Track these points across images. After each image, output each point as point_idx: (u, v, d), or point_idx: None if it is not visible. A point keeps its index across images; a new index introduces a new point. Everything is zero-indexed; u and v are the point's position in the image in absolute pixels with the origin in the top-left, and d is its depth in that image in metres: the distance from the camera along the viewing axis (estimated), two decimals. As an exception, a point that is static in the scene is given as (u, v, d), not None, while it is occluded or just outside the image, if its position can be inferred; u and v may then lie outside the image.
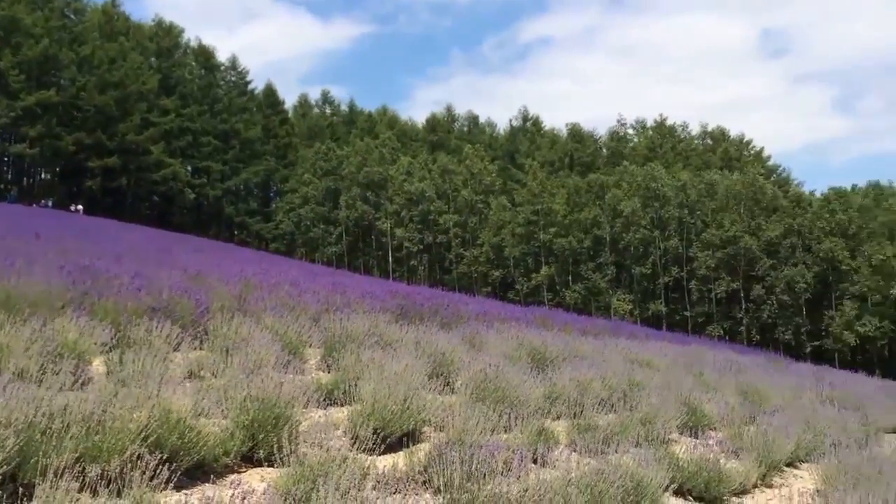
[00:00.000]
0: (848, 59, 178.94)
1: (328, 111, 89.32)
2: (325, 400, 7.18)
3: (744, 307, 62.33)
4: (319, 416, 6.48)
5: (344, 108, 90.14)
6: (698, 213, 65.71)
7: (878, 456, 8.22)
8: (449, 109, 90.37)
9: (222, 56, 76.39)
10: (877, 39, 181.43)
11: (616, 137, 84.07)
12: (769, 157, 79.18)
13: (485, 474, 5.42)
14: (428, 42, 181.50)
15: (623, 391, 9.63)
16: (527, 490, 5.25)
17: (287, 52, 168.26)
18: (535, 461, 6.44)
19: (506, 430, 6.89)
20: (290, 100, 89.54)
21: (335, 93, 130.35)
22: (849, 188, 67.43)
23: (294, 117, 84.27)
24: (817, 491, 7.29)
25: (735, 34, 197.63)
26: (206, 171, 68.69)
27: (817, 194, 67.50)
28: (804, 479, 8.33)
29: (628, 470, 5.90)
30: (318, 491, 4.51)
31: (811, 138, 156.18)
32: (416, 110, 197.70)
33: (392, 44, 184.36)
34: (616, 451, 6.74)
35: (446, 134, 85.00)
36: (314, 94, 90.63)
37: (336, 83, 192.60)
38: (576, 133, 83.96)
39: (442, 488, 5.34)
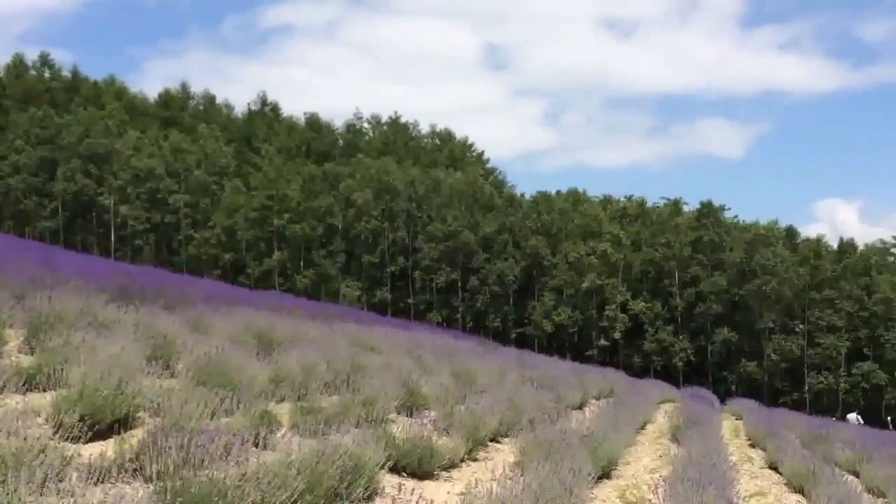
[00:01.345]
0: (555, 79, 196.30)
1: (47, 75, 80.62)
2: (24, 385, 6.59)
3: (461, 296, 66.27)
4: (17, 403, 5.94)
5: (66, 73, 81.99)
6: (425, 207, 68.68)
7: (567, 429, 9.24)
8: (184, 86, 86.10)
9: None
10: (579, 63, 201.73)
11: (352, 130, 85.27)
12: (488, 160, 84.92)
13: (203, 460, 5.30)
14: (164, 13, 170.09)
15: (347, 374, 9.89)
16: (245, 474, 5.22)
17: (2, 7, 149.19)
18: (256, 445, 6.43)
19: (228, 414, 6.80)
20: (1, 59, 79.31)
21: (57, 56, 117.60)
22: (553, 193, 74.17)
23: (6, 78, 75.08)
24: (516, 463, 8.03)
25: (465, 44, 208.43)
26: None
27: (527, 197, 73.67)
28: (505, 453, 9.13)
29: (348, 450, 6.08)
30: (7, 484, 4.07)
31: (525, 147, 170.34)
32: (148, 83, 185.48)
33: (124, 10, 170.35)
34: (338, 433, 6.92)
35: (180, 111, 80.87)
36: (31, 56, 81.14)
37: (59, 46, 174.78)
38: (314, 122, 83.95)
39: (154, 476, 5.09)
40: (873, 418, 31.22)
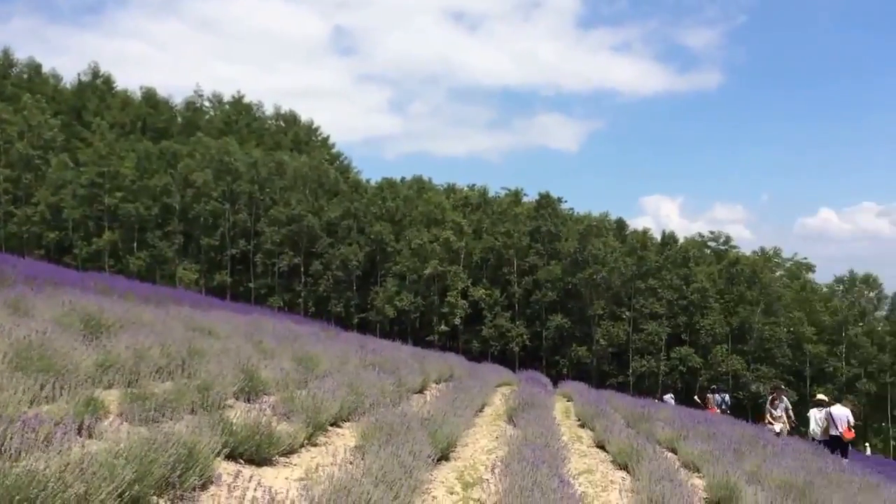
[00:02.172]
0: (402, 67, 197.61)
1: None
2: None
3: (303, 281, 65.38)
4: None
5: None
6: (268, 190, 67.15)
7: (407, 413, 9.33)
8: (6, 53, 79.34)
9: None
10: (425, 53, 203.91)
11: (192, 108, 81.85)
12: (334, 145, 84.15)
13: (20, 450, 4.93)
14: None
15: (183, 359, 9.50)
16: (68, 465, 4.90)
17: None
18: (81, 433, 6.05)
19: (50, 401, 6.36)
20: None
21: None
22: (398, 180, 74.59)
23: None
24: (357, 446, 8.02)
25: (312, 27, 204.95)
26: None
27: (372, 183, 73.64)
28: (347, 437, 9.10)
29: (181, 438, 5.85)
30: None
31: (370, 133, 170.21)
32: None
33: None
34: (171, 420, 6.64)
35: (1, 79, 74.47)
36: None
37: None
38: (150, 97, 79.90)
39: (-39, 469, 4.71)
40: (688, 400, 33.68)
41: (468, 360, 31.39)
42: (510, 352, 63.77)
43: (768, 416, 18.21)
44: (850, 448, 17.05)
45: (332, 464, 6.60)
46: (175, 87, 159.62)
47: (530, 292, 66.58)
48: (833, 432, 16.08)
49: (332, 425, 9.52)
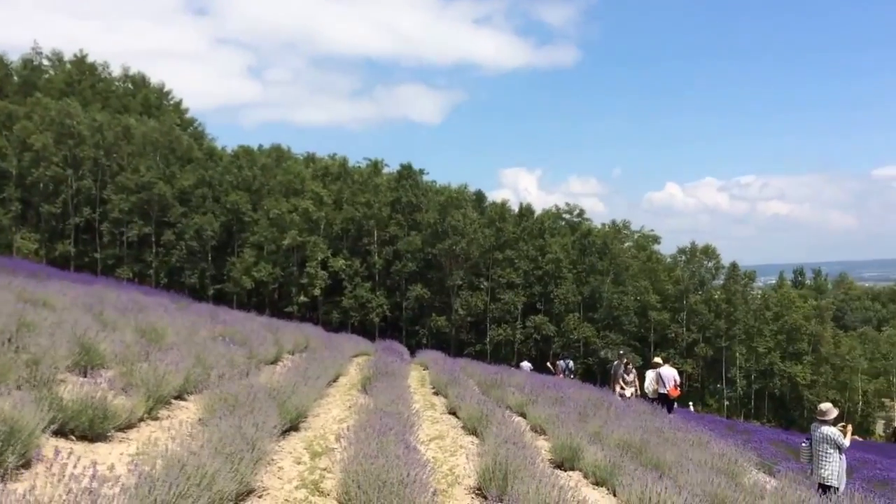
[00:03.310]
0: (260, 32, 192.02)
1: None
2: None
3: (155, 251, 62.67)
4: None
5: None
6: (115, 155, 63.60)
7: (255, 384, 9.12)
8: None
9: None
10: (286, 19, 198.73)
11: (30, 66, 75.75)
12: (187, 110, 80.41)
13: None
14: None
15: (11, 332, 8.84)
16: None
17: None
18: None
19: None
20: None
21: None
22: (255, 148, 72.50)
23: None
24: (200, 420, 7.77)
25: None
26: None
27: (228, 150, 71.16)
28: (191, 410, 8.79)
29: (3, 414, 5.46)
30: None
31: (227, 99, 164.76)
32: None
33: None
34: (-7, 396, 6.17)
35: None
36: None
37: None
38: (-19, 54, 73.39)
39: None
40: (542, 366, 34.93)
41: (327, 331, 31.19)
42: (370, 322, 63.86)
43: (620, 381, 19.17)
44: (675, 405, 18.76)
45: (171, 438, 6.35)
46: (9, 43, 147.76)
47: (391, 263, 66.77)
48: (661, 390, 17.81)
49: (176, 398, 9.18)
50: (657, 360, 19.23)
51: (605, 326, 67.12)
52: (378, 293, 65.69)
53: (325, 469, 7.40)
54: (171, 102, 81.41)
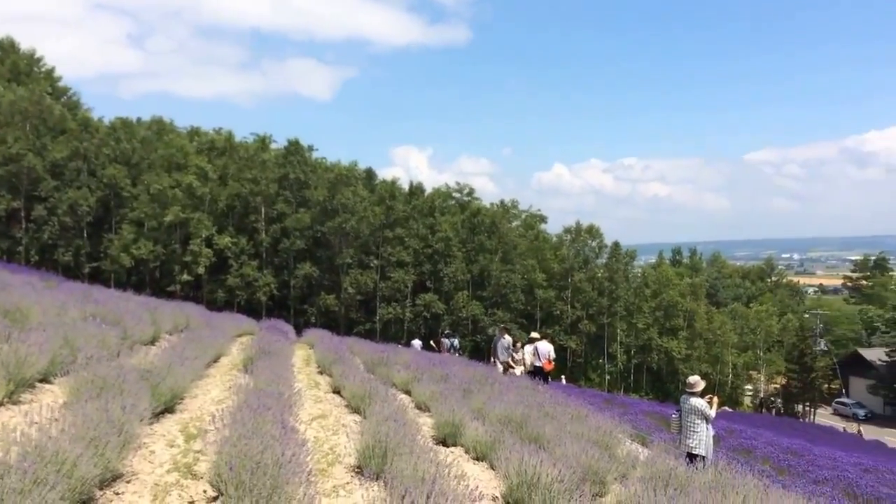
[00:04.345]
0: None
1: None
2: None
3: (24, 227, 59.24)
4: None
5: None
6: (-23, 123, 59.46)
7: (125, 366, 8.75)
8: None
9: None
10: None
11: None
12: (61, 78, 75.74)
13: None
14: None
15: None
16: None
17: None
18: None
19: None
20: None
21: None
22: (135, 120, 69.31)
23: None
24: (65, 403, 7.38)
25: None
26: None
27: (106, 122, 67.67)
28: (56, 394, 8.36)
29: None
30: None
31: (106, 69, 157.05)
32: None
33: None
34: None
35: None
36: None
37: None
38: None
39: None
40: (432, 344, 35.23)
41: (212, 310, 30.32)
42: (257, 301, 62.58)
43: (510, 359, 19.55)
44: (549, 378, 19.76)
45: (31, 423, 6.00)
46: None
47: (278, 241, 65.52)
48: (537, 363, 18.71)
49: (41, 382, 8.70)
50: (534, 335, 19.85)
51: (493, 304, 68.23)
52: (265, 271, 64.39)
53: (199, 452, 7.19)
54: (43, 70, 76.62)
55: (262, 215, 65.25)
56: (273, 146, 72.00)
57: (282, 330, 23.05)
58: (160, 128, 69.55)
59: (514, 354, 19.67)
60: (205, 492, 6.13)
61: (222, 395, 10.74)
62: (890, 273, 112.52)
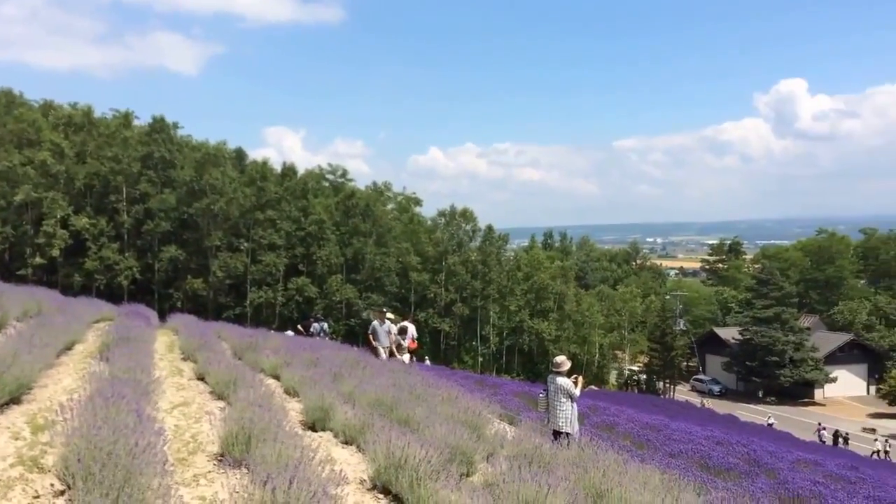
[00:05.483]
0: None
1: None
2: None
3: None
4: None
5: None
6: None
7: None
8: None
9: None
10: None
11: None
12: None
13: None
14: None
15: None
16: None
17: None
18: None
19: None
20: None
21: None
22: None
23: None
24: None
25: None
26: None
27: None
28: None
29: None
30: None
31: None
32: None
33: None
34: None
35: None
36: None
37: None
38: None
39: None
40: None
41: (68, 295, 28.69)
42: (118, 286, 59.74)
43: (393, 347, 19.34)
44: (414, 357, 20.24)
45: None
46: None
47: (142, 222, 62.72)
48: (403, 343, 19.02)
49: None
50: (389, 315, 20.35)
51: (367, 288, 67.98)
52: (127, 255, 61.54)
53: (47, 444, 6.76)
54: None
55: (124, 195, 62.24)
56: (136, 123, 68.72)
57: (144, 315, 22.04)
58: (9, 100, 65.04)
59: (401, 341, 19.46)
60: (52, 485, 5.76)
61: (75, 384, 10.15)
62: (743, 256, 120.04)
